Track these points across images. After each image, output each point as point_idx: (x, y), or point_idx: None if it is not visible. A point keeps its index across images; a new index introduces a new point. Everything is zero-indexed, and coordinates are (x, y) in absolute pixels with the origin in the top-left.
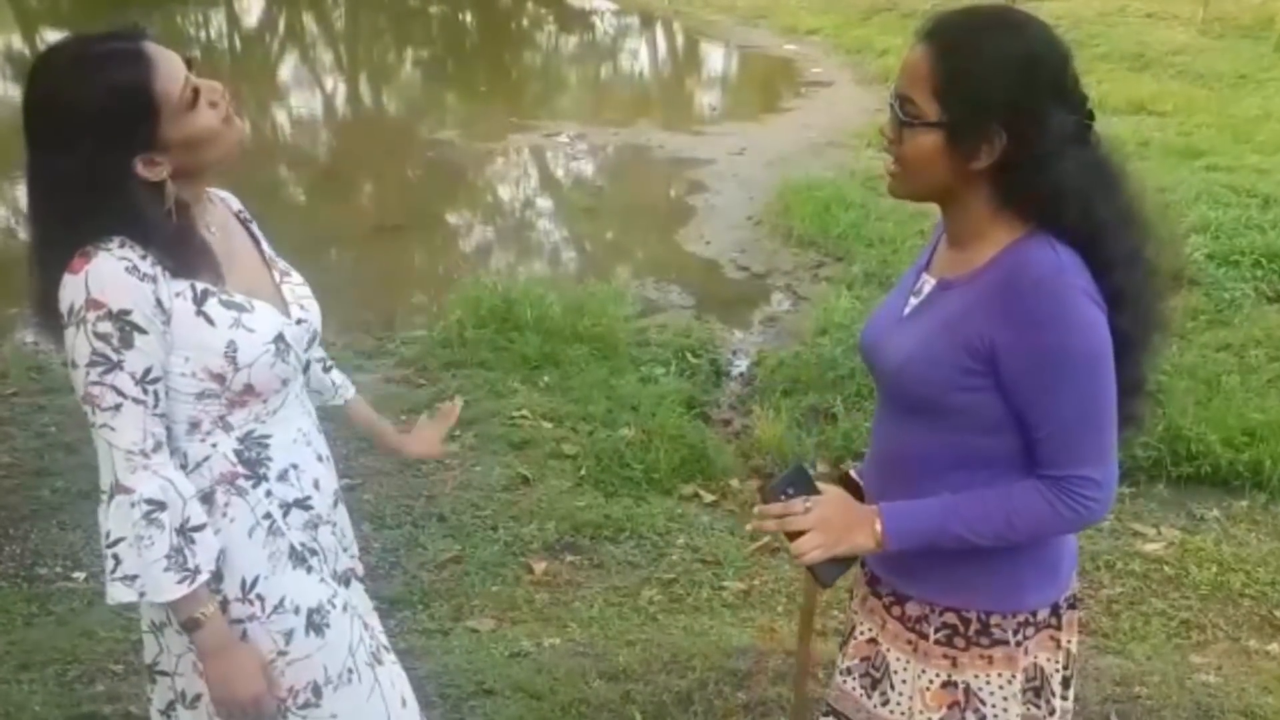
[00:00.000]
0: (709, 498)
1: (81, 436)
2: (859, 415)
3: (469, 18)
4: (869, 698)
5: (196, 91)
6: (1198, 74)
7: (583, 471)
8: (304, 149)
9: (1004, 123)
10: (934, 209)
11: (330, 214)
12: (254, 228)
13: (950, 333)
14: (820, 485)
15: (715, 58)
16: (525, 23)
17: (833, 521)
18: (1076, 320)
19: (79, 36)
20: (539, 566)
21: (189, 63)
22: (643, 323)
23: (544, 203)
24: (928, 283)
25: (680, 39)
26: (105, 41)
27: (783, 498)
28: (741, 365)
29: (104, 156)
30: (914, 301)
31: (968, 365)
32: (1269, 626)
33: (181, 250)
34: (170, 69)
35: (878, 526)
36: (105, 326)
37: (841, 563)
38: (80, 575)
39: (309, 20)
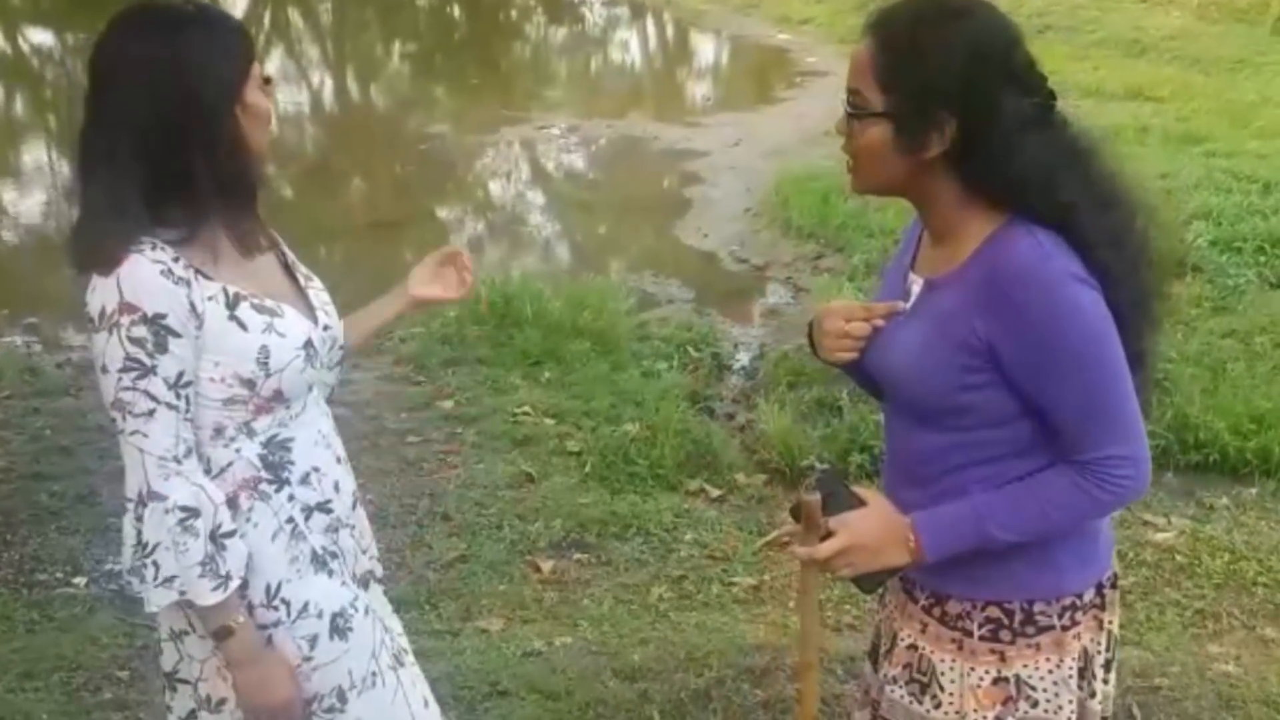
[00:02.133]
0: (715, 493)
1: (78, 439)
2: (865, 408)
3: (456, 10)
4: (919, 703)
5: (268, 79)
6: (1194, 59)
7: (587, 468)
8: (294, 145)
9: (952, 109)
10: None
11: (323, 210)
12: (272, 231)
13: (944, 334)
14: (858, 491)
15: (708, 48)
16: (514, 14)
17: (865, 541)
18: (1067, 303)
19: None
20: (546, 565)
21: None
22: (643, 317)
23: (539, 196)
24: (916, 283)
25: (672, 29)
26: (195, 6)
27: (822, 521)
28: (744, 359)
29: (222, 102)
30: (904, 306)
31: (968, 364)
32: None
33: (242, 216)
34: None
35: (912, 541)
36: (140, 331)
37: (886, 570)
38: (81, 580)
39: (295, 15)
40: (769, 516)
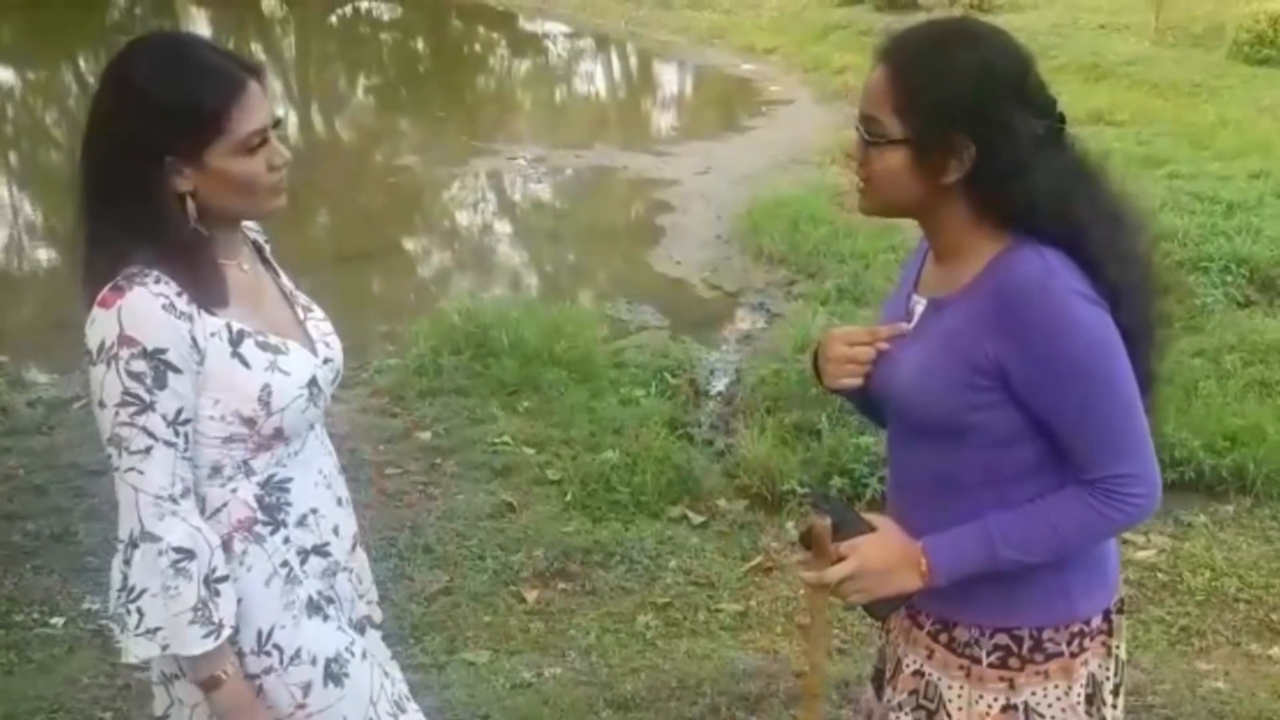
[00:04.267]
0: (698, 519)
1: (51, 478)
2: (844, 431)
3: (421, 43)
4: None
5: (262, 144)
6: (1153, 84)
7: (568, 496)
8: None
9: (970, 134)
10: (909, 227)
11: (291, 244)
12: (268, 253)
13: (951, 353)
14: (868, 517)
15: (674, 78)
16: (478, 47)
17: (876, 565)
18: (1075, 322)
19: (197, 38)
20: (531, 595)
21: (276, 122)
22: (619, 344)
23: (512, 227)
24: (919, 303)
25: (637, 60)
26: (218, 54)
27: (832, 547)
28: (721, 384)
29: (148, 140)
30: (907, 326)
31: (976, 383)
32: (1268, 631)
33: (195, 270)
34: (253, 110)
35: (923, 565)
36: (139, 365)
37: (898, 596)
38: (59, 621)
39: (257, 49)
40: (752, 541)
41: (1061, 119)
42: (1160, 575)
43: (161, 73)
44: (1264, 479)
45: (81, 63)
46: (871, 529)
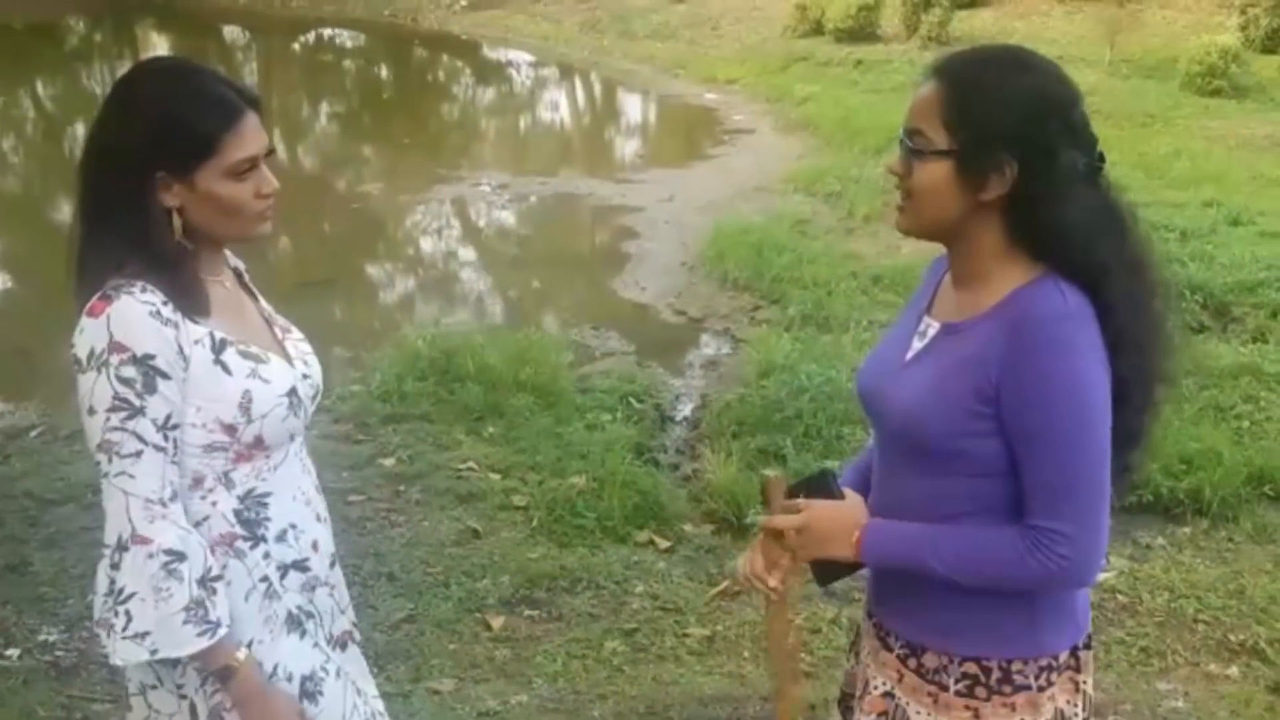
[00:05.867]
0: (664, 544)
1: (7, 507)
2: (809, 455)
3: (384, 71)
4: None
5: (252, 169)
6: (1108, 114)
7: (534, 522)
8: None
9: (1014, 154)
10: (870, 254)
11: (254, 269)
12: (248, 280)
13: (959, 377)
14: (847, 491)
15: (637, 107)
16: (442, 75)
17: (819, 525)
18: (1078, 375)
19: (205, 67)
20: (496, 622)
21: (270, 152)
22: (584, 370)
23: (476, 253)
24: (931, 326)
25: (601, 89)
26: (220, 83)
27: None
28: (686, 410)
29: (140, 154)
30: (917, 345)
31: (976, 409)
32: (1225, 651)
33: (179, 280)
34: (247, 137)
35: (855, 537)
36: (129, 371)
37: (841, 566)
38: (14, 653)
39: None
40: (718, 566)
41: (1101, 158)
42: (1120, 597)
43: (163, 92)
44: (1220, 502)
45: (40, 89)
46: (840, 498)
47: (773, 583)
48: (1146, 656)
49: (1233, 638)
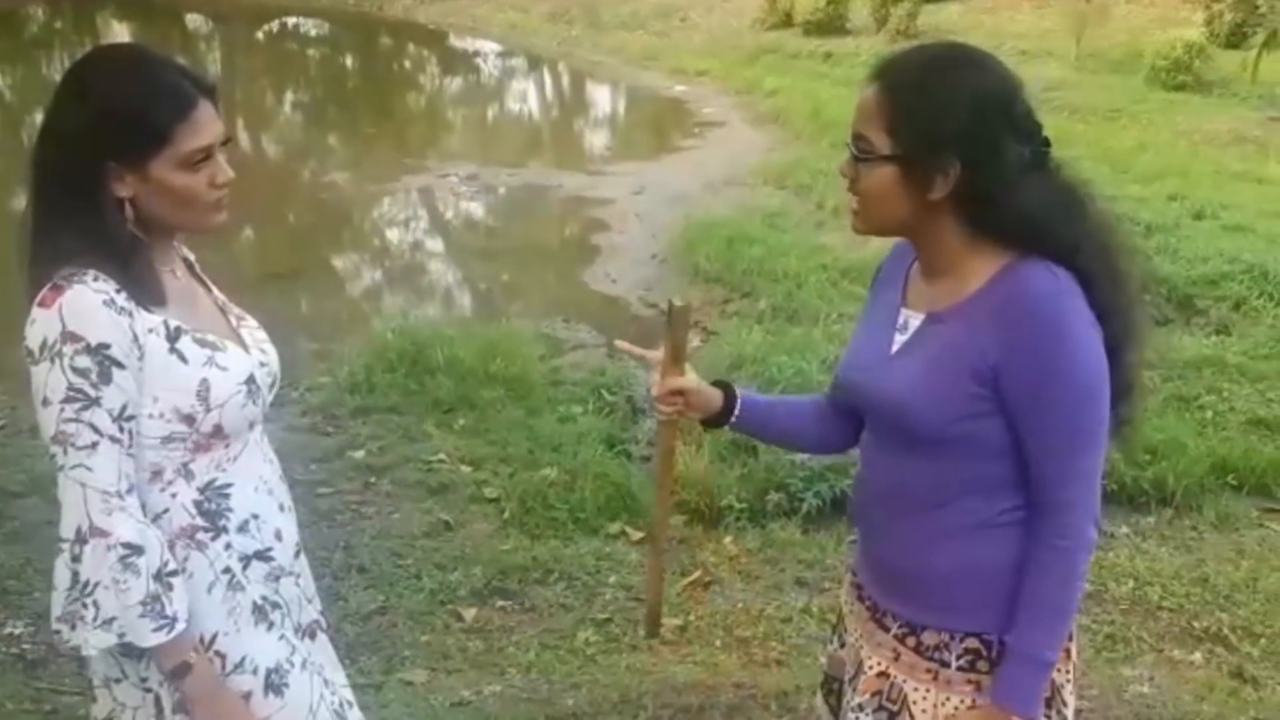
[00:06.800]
0: (636, 535)
1: None
2: (780, 448)
3: (350, 60)
4: None
5: (206, 159)
6: (1074, 108)
7: (506, 514)
8: None
9: (958, 154)
10: (839, 247)
11: (217, 260)
12: (198, 270)
13: (955, 362)
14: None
15: (607, 99)
16: (408, 64)
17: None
18: (1076, 347)
19: (159, 55)
20: (469, 613)
21: (226, 141)
22: (556, 362)
23: (445, 245)
24: (913, 318)
25: (569, 80)
26: (174, 71)
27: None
28: None
29: (92, 142)
30: (900, 338)
31: (975, 392)
32: (1189, 637)
33: (131, 269)
34: (201, 126)
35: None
36: (84, 361)
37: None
38: None
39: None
40: (690, 557)
41: (1046, 143)
42: (1086, 584)
43: (115, 80)
44: (1184, 491)
45: None
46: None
47: (668, 408)
48: (1112, 643)
49: (1196, 624)
